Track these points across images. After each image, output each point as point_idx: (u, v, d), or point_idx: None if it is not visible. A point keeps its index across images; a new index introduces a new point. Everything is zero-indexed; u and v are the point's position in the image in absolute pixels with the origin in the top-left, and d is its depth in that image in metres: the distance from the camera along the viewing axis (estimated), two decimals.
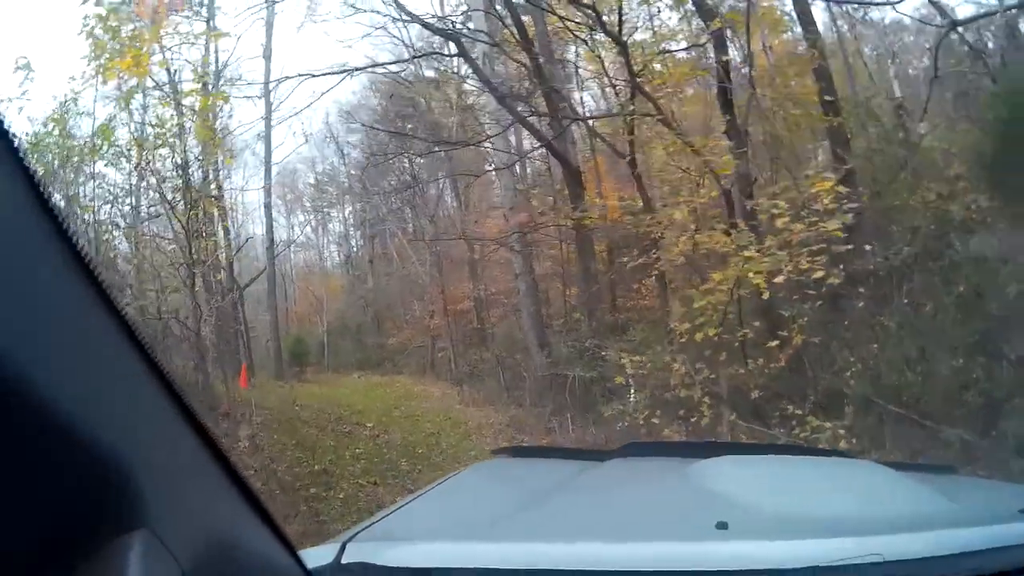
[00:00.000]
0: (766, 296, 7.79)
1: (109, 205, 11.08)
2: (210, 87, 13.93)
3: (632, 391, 10.19)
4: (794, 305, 7.97)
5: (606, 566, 1.23)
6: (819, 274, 7.21)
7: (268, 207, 21.26)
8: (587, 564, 1.22)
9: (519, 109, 12.63)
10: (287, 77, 14.08)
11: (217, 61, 16.65)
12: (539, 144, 14.79)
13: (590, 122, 15.44)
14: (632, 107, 11.26)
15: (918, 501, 1.72)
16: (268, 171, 20.76)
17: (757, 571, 1.22)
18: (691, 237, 9.28)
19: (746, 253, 7.63)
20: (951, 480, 2.35)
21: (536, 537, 1.42)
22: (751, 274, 7.49)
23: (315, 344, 28.41)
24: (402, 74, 16.99)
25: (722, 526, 1.33)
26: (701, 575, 1.24)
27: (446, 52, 12.70)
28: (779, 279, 7.41)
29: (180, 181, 10.06)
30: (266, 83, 18.02)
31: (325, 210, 36.19)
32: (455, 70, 14.85)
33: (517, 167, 17.81)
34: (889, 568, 1.20)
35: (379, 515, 1.78)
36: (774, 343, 7.87)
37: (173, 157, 10.15)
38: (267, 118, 19.53)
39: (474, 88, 16.80)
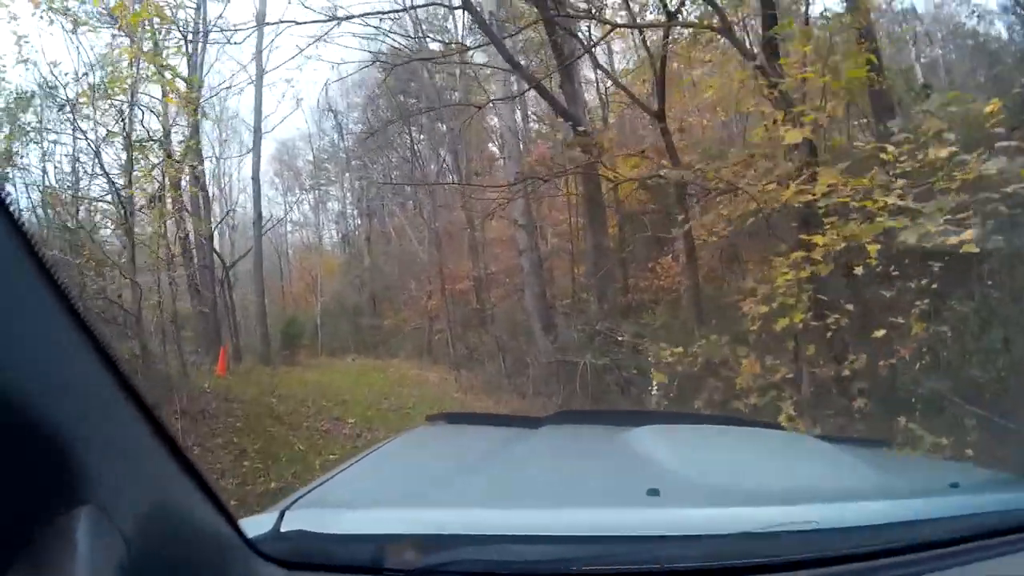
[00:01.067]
0: (860, 270, 6.05)
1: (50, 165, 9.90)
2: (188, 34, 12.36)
3: (654, 384, 8.88)
4: (896, 283, 6.12)
5: (540, 531, 1.19)
6: (962, 237, 5.23)
7: (256, 178, 19.92)
8: (521, 529, 1.19)
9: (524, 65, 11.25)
10: (271, 23, 12.62)
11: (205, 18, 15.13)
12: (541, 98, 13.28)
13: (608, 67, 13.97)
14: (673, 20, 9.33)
15: (849, 472, 1.70)
16: (257, 138, 19.28)
17: (689, 536, 1.20)
18: (806, 176, 6.42)
19: (889, 201, 5.63)
20: (884, 454, 2.36)
21: (471, 503, 1.38)
22: (866, 238, 5.67)
23: (309, 326, 27.28)
24: (405, 47, 15.41)
25: (653, 492, 1.33)
26: (633, 539, 1.19)
27: (447, 2, 11.22)
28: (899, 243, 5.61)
29: (122, 132, 8.61)
30: (258, 45, 16.71)
31: (323, 188, 35.54)
32: (457, 37, 13.60)
33: (521, 144, 16.44)
34: (823, 536, 1.21)
35: (316, 482, 1.64)
36: (878, 333, 5.93)
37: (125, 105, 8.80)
38: (257, 80, 18.14)
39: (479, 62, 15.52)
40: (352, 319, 26.84)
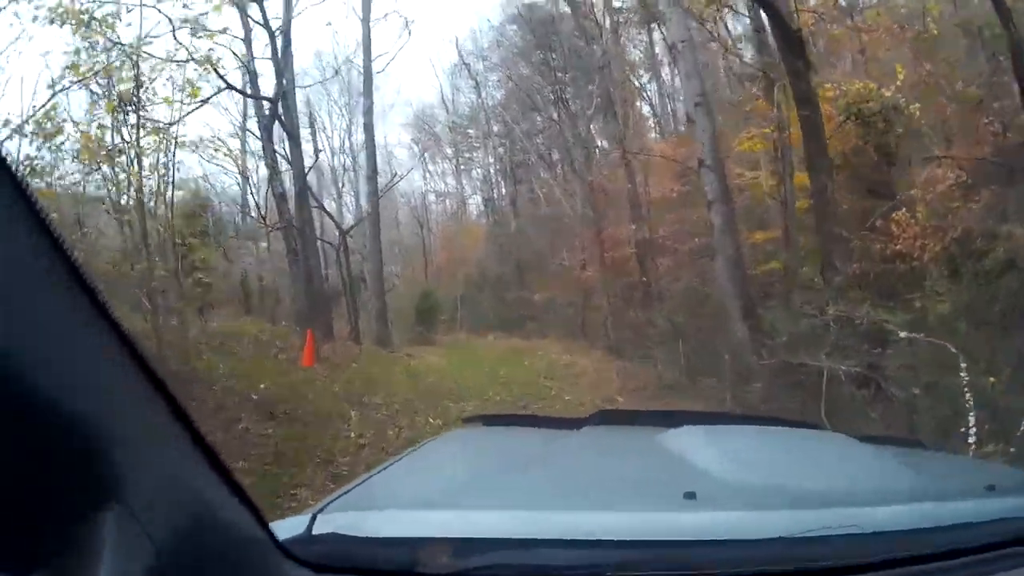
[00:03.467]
0: None
1: None
2: None
3: (971, 422, 5.24)
4: None
5: (575, 535, 1.14)
6: None
7: (369, 125, 17.14)
8: (556, 533, 1.15)
9: None
10: None
11: None
12: None
13: None
14: None
15: (885, 474, 1.69)
16: (368, 81, 16.54)
17: (725, 541, 1.17)
18: None
19: None
20: (917, 454, 2.29)
21: (506, 506, 1.34)
22: None
23: (449, 300, 24.98)
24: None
25: (690, 496, 1.27)
26: (669, 544, 1.17)
27: None
28: None
29: None
30: None
31: (465, 155, 33.66)
32: None
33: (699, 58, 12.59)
34: (859, 540, 1.18)
35: (350, 485, 1.61)
36: None
37: None
38: (364, 10, 15.62)
39: None
40: (495, 292, 24.14)
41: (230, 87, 10.36)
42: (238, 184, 17.22)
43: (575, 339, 17.61)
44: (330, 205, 25.79)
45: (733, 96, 18.10)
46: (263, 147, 12.79)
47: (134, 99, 8.44)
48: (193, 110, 10.43)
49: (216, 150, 12.13)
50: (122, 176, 8.52)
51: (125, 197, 8.74)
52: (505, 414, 6.80)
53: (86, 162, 8.54)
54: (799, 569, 1.15)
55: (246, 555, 1.00)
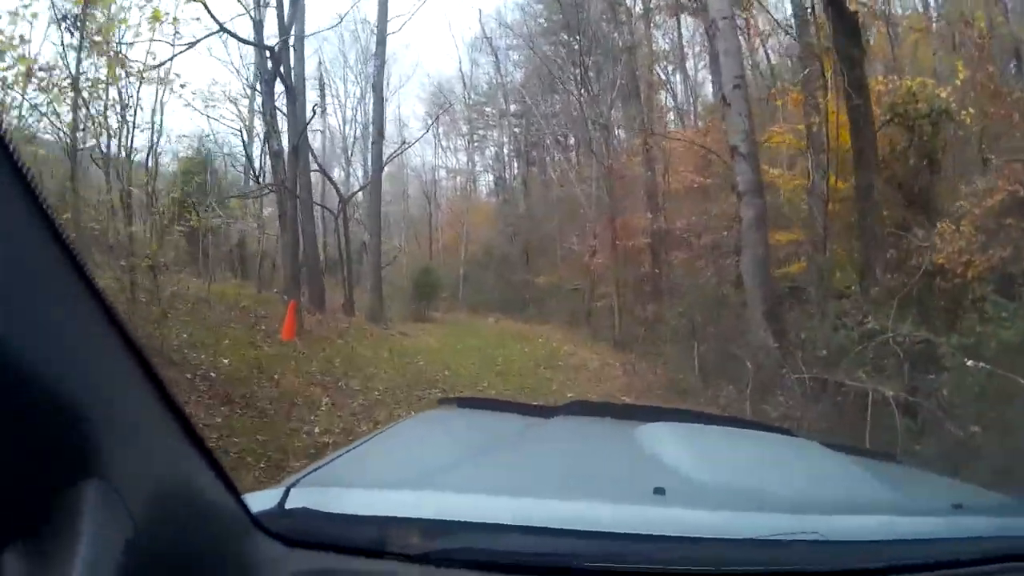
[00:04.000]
0: None
1: None
2: None
3: None
4: None
5: (545, 522, 1.15)
6: None
7: (378, 88, 16.06)
8: (526, 520, 1.16)
9: None
10: None
11: None
12: None
13: None
14: None
15: (856, 484, 1.68)
16: (382, 40, 15.47)
17: (690, 539, 1.17)
18: None
19: None
20: (889, 467, 2.25)
21: (478, 489, 1.34)
22: None
23: (452, 278, 24.18)
24: None
25: (659, 491, 1.31)
26: (637, 538, 1.16)
27: None
28: None
29: None
30: None
31: (480, 132, 32.85)
32: None
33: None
34: (825, 547, 1.20)
35: (323, 461, 1.63)
36: None
37: None
38: None
39: None
40: (500, 273, 23.35)
41: (223, 29, 9.39)
42: (244, 143, 16.28)
43: (578, 327, 16.81)
44: (339, 175, 24.99)
45: (758, 91, 17.19)
46: (263, 101, 11.84)
47: (77, 19, 7.41)
48: (180, 52, 9.53)
49: (207, 104, 11.26)
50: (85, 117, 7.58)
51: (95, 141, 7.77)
52: (479, 397, 6.79)
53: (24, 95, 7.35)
54: (760, 571, 1.16)
55: (220, 527, 1.01)
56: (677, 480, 1.45)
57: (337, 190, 16.23)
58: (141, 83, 8.78)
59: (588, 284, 17.73)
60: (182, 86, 9.82)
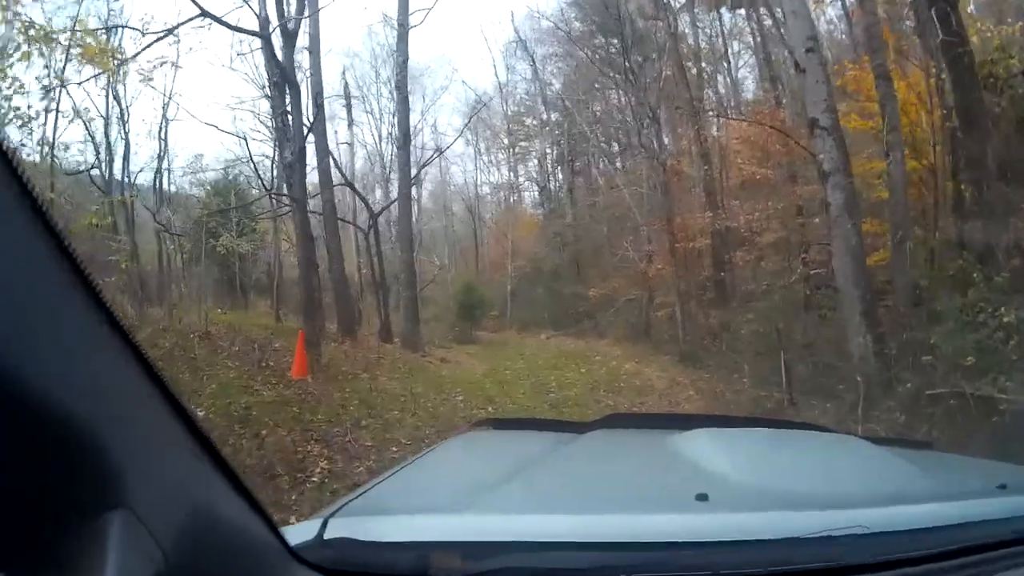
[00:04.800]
0: None
1: None
2: None
3: None
4: None
5: (586, 538, 1.16)
6: None
7: (402, 87, 14.71)
8: (567, 536, 1.16)
9: None
10: None
11: None
12: None
13: None
14: None
15: (896, 475, 1.68)
16: (403, 34, 14.33)
17: (738, 542, 1.17)
18: None
19: None
20: (929, 455, 2.27)
21: (518, 509, 1.36)
22: None
23: (499, 295, 22.96)
24: None
25: (702, 498, 1.28)
26: (681, 546, 1.16)
27: None
28: None
29: None
30: None
31: (521, 143, 31.23)
32: None
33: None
34: (869, 540, 1.18)
35: (361, 490, 1.64)
36: None
37: None
38: None
39: None
40: (550, 287, 21.99)
41: (204, 13, 8.38)
42: (249, 153, 15.42)
43: (637, 342, 15.36)
44: (380, 195, 24.07)
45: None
46: (272, 106, 10.84)
47: None
48: (155, 41, 8.62)
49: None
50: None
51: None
52: (512, 418, 6.55)
53: None
54: (810, 569, 1.15)
55: (256, 559, 0.99)
56: (719, 485, 1.40)
57: (367, 204, 15.18)
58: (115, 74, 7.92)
59: (645, 293, 16.27)
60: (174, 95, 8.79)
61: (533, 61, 26.99)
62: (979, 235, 7.20)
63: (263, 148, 16.88)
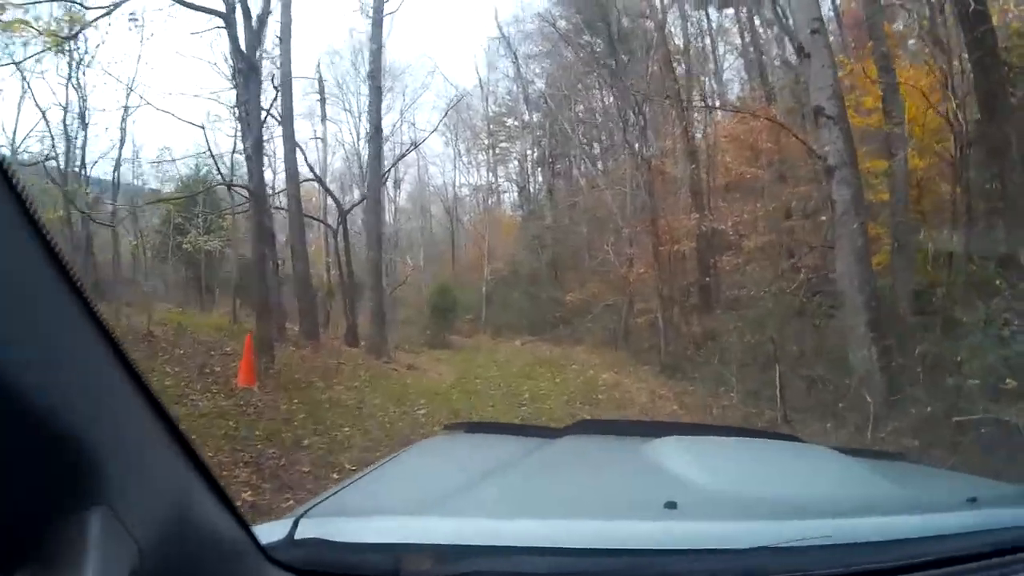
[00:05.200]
0: None
1: None
2: None
3: None
4: None
5: (557, 543, 1.15)
6: None
7: (375, 76, 13.65)
8: (538, 541, 1.16)
9: None
10: None
11: None
12: None
13: None
14: None
15: (867, 486, 1.70)
16: (378, 21, 13.40)
17: (705, 551, 1.17)
18: None
19: None
20: (900, 467, 2.26)
21: (490, 513, 1.34)
22: None
23: (474, 298, 22.11)
24: None
25: (671, 505, 1.29)
26: (649, 553, 1.16)
27: None
28: None
29: None
30: None
31: (502, 144, 30.83)
32: None
33: None
34: (838, 551, 1.19)
35: (332, 490, 1.61)
36: None
37: None
38: None
39: None
40: (527, 291, 21.24)
41: None
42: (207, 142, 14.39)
43: (616, 349, 14.57)
44: (357, 196, 23.05)
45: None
46: (237, 95, 9.89)
47: None
48: (103, 15, 7.68)
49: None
50: None
51: None
52: (485, 422, 6.36)
53: None
54: None
55: (228, 558, 0.99)
56: (688, 493, 1.42)
57: (336, 200, 14.23)
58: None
59: (625, 299, 15.46)
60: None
61: (516, 58, 26.27)
62: (999, 235, 6.48)
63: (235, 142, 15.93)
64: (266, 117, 10.53)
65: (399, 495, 1.62)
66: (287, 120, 12.56)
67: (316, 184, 15.57)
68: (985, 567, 1.25)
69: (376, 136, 13.30)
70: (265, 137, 14.07)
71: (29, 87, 12.49)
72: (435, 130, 20.92)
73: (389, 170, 15.98)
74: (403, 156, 17.79)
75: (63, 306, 0.66)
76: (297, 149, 13.45)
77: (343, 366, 10.13)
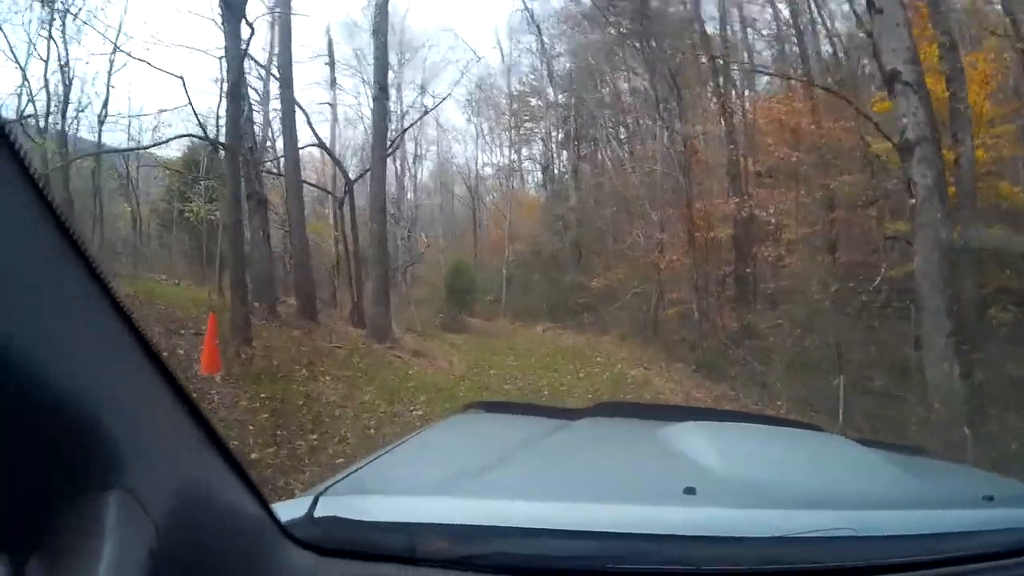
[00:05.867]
0: None
1: None
2: None
3: None
4: None
5: (574, 526, 1.14)
6: None
7: (380, 29, 12.35)
8: (555, 523, 1.14)
9: None
10: None
11: None
12: None
13: None
14: None
15: (886, 479, 1.66)
16: None
17: (723, 538, 1.16)
18: None
19: None
20: (918, 460, 2.22)
21: (507, 495, 1.30)
22: None
23: (494, 279, 21.23)
24: None
25: (690, 491, 1.27)
26: (667, 539, 1.15)
27: None
28: None
29: None
30: None
31: (526, 124, 29.31)
32: None
33: None
34: (855, 543, 1.17)
35: (351, 468, 1.57)
36: None
37: None
38: None
39: None
40: (549, 274, 20.21)
41: None
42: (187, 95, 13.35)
43: (645, 342, 13.53)
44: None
45: None
46: (226, 45, 8.93)
47: None
48: None
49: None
50: None
51: None
52: (505, 401, 6.35)
53: None
54: (795, 569, 1.14)
55: (248, 536, 0.99)
56: (707, 479, 1.40)
57: (341, 168, 13.26)
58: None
59: (655, 287, 14.41)
60: None
61: (539, 32, 25.05)
62: None
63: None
64: (246, 51, 9.49)
65: (417, 474, 1.60)
66: (285, 69, 11.63)
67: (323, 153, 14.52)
68: (1000, 567, 1.22)
69: (381, 96, 12.15)
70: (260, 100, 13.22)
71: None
72: (449, 94, 19.36)
73: (398, 138, 15.05)
74: (416, 123, 16.88)
75: (80, 287, 0.66)
76: (298, 110, 12.54)
77: (338, 351, 9.08)
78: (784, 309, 9.93)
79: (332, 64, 19.69)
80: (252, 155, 10.62)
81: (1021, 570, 1.25)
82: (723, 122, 13.40)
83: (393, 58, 22.74)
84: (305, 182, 12.98)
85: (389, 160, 25.62)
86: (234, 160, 8.37)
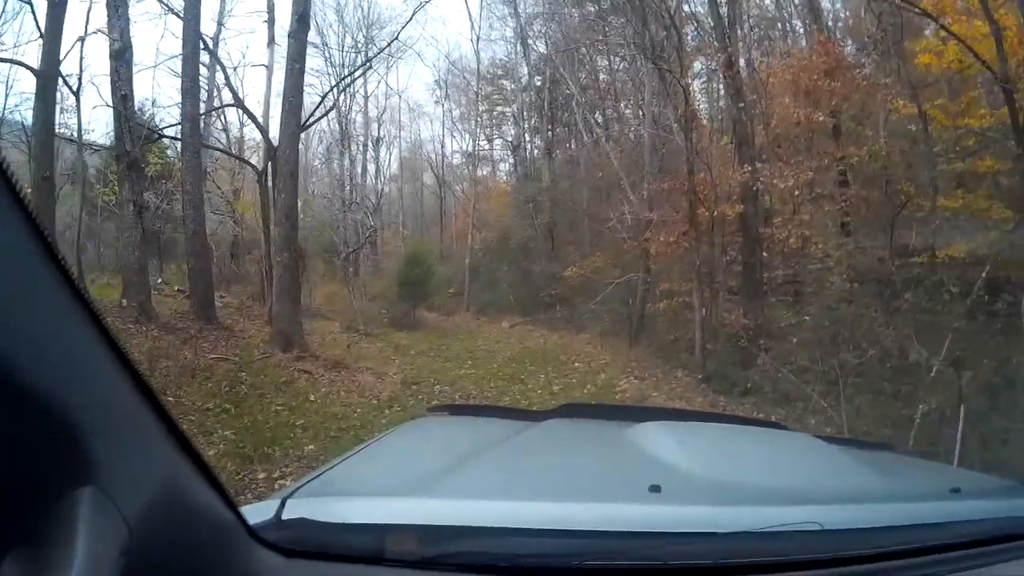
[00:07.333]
0: None
1: None
2: None
3: None
4: None
5: (541, 524, 1.15)
6: None
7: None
8: (522, 522, 1.15)
9: None
10: None
11: None
12: None
13: None
14: None
15: (851, 474, 1.68)
16: None
17: (689, 533, 1.17)
18: None
19: None
20: (884, 456, 2.22)
21: (474, 494, 1.35)
22: None
23: (457, 270, 19.03)
24: None
25: (655, 489, 1.28)
26: (633, 535, 1.16)
27: None
28: None
29: None
30: None
31: (498, 107, 27.79)
32: None
33: None
34: (821, 537, 1.18)
35: (318, 471, 1.61)
36: None
37: None
38: None
39: None
40: (518, 263, 17.88)
41: None
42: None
43: (629, 342, 11.19)
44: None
45: None
46: None
47: None
48: None
49: None
50: None
51: None
52: (470, 404, 6.37)
53: None
54: (761, 563, 1.14)
55: (216, 538, 1.00)
56: (672, 477, 1.41)
57: (263, 131, 10.70)
58: None
59: (640, 275, 12.06)
60: None
61: (521, 27, 22.87)
62: None
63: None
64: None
65: (385, 476, 1.59)
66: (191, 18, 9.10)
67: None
68: (966, 556, 1.24)
69: (299, 30, 9.28)
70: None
71: None
72: (396, 39, 16.56)
73: (333, 90, 12.58)
74: (355, 77, 14.19)
75: (51, 288, 0.66)
76: (218, 69, 9.95)
77: (217, 365, 6.64)
78: (819, 302, 7.57)
79: (271, 20, 16.91)
80: (125, 105, 8.10)
81: (987, 559, 1.24)
82: (728, 74, 11.06)
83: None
84: (205, 145, 10.36)
85: (345, 141, 23.18)
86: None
